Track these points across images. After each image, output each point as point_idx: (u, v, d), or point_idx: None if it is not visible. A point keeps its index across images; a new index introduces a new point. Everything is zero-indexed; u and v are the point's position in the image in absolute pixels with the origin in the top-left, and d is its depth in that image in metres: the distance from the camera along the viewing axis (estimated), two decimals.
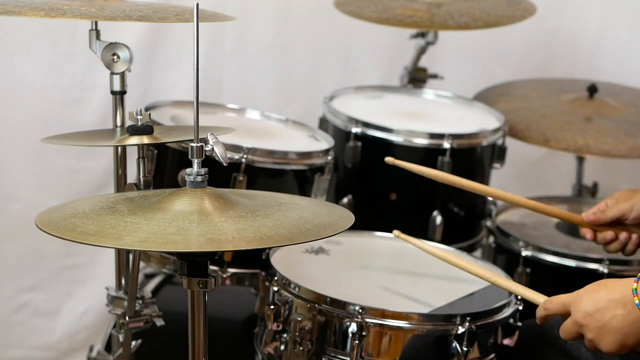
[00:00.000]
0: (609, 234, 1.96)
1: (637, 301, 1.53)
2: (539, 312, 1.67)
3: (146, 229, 1.36)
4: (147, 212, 1.42)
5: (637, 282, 1.55)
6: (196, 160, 1.47)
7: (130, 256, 1.95)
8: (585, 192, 2.95)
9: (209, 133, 1.50)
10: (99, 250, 2.93)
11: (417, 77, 2.86)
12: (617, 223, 1.97)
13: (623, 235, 1.96)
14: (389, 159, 2.04)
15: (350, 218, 1.50)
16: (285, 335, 1.88)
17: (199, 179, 1.47)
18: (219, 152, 1.48)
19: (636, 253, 1.99)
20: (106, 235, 1.34)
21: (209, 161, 1.50)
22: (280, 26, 3.08)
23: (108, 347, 2.34)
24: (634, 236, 1.95)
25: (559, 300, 1.64)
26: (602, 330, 1.56)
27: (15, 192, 2.90)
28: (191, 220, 1.39)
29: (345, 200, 2.45)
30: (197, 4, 1.43)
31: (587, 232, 2.00)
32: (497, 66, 3.24)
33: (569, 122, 2.68)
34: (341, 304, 1.83)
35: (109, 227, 1.37)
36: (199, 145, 1.46)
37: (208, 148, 1.48)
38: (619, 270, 2.31)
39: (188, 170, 1.47)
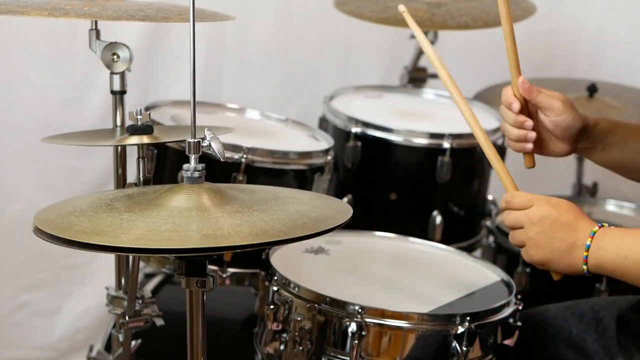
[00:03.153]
0: (515, 104, 1.80)
1: (588, 242, 1.56)
2: (502, 204, 1.68)
3: (142, 226, 1.35)
4: (144, 209, 1.42)
5: (599, 228, 1.57)
6: (193, 156, 1.47)
7: (130, 256, 1.95)
8: (585, 192, 2.95)
9: (206, 129, 1.50)
10: None
11: (417, 77, 2.86)
12: (534, 113, 1.81)
13: (523, 118, 1.79)
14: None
15: (348, 211, 1.49)
16: (285, 335, 1.88)
17: (196, 174, 1.47)
18: (215, 148, 1.48)
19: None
20: (102, 233, 1.34)
21: (208, 160, 1.50)
22: (280, 26, 3.08)
23: (108, 346, 2.34)
24: (533, 133, 1.79)
25: (527, 197, 1.63)
26: (544, 241, 1.58)
27: (15, 192, 2.90)
28: (187, 217, 1.38)
29: (345, 200, 2.45)
30: (193, 1, 1.43)
31: (506, 90, 1.84)
32: (497, 66, 3.23)
33: None
34: (341, 304, 1.83)
35: (105, 225, 1.37)
36: (195, 140, 1.46)
37: (205, 144, 1.48)
38: None
39: (185, 165, 1.47)
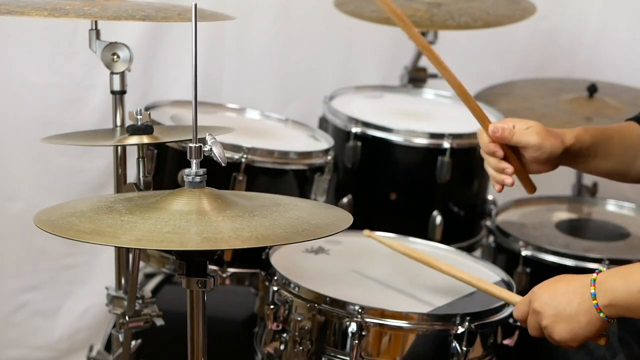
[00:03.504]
0: (497, 152, 1.78)
1: (592, 290, 1.55)
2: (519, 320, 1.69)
3: (143, 228, 1.36)
4: (144, 212, 1.42)
5: (597, 274, 1.56)
6: (194, 161, 1.47)
7: (130, 256, 1.95)
8: (585, 192, 2.95)
9: (207, 133, 1.50)
10: (99, 250, 2.93)
11: (417, 77, 2.86)
12: (514, 148, 1.81)
13: (505, 165, 1.78)
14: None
15: (348, 219, 1.50)
16: (285, 335, 1.88)
17: (197, 179, 1.47)
18: (217, 153, 1.48)
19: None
20: (102, 233, 1.34)
21: (208, 161, 1.50)
22: (280, 26, 3.08)
23: (108, 346, 2.34)
24: (509, 179, 1.79)
25: (525, 299, 1.65)
26: (557, 318, 1.58)
27: (15, 192, 2.90)
28: (188, 220, 1.39)
29: (345, 200, 2.45)
30: (195, 5, 1.44)
31: (482, 136, 1.80)
32: (497, 66, 3.24)
33: (569, 122, 2.68)
34: (341, 304, 1.83)
35: (106, 226, 1.37)
36: (197, 145, 1.46)
37: (206, 148, 1.48)
38: None
39: (186, 170, 1.47)
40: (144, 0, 2.00)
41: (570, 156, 1.81)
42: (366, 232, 2.03)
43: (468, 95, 1.81)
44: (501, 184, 1.81)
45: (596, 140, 1.83)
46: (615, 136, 1.85)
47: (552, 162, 1.80)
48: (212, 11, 1.99)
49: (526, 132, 1.77)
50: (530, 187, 1.88)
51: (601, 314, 1.55)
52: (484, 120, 1.80)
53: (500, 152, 1.78)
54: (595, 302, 1.54)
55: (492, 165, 1.80)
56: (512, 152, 1.79)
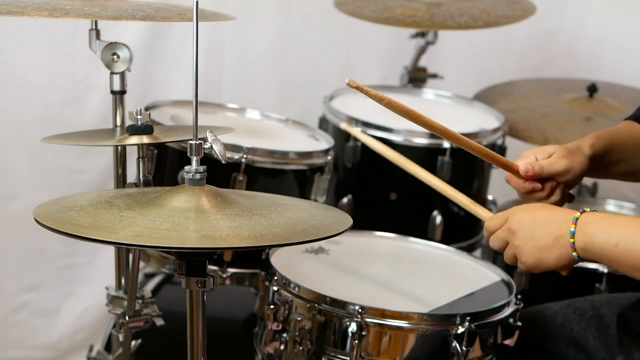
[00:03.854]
0: (537, 186, 1.81)
1: (572, 228, 1.56)
2: (485, 234, 1.70)
3: (141, 224, 1.36)
4: (143, 208, 1.42)
5: (581, 214, 1.57)
6: (195, 158, 1.47)
7: (130, 256, 1.95)
8: (585, 192, 2.95)
9: (207, 131, 1.50)
10: (99, 250, 2.93)
11: (417, 77, 2.86)
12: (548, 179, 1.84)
13: (549, 184, 1.81)
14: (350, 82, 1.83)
15: (347, 221, 1.50)
16: (285, 335, 1.88)
17: (198, 176, 1.47)
18: (217, 150, 1.48)
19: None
20: (101, 228, 1.34)
21: (209, 160, 1.50)
22: (280, 26, 3.08)
23: (108, 346, 2.34)
24: (561, 186, 1.82)
25: (501, 215, 1.66)
26: (530, 243, 1.59)
27: (15, 192, 2.90)
28: (187, 217, 1.39)
29: (345, 200, 2.45)
30: (197, 3, 1.43)
31: (512, 180, 1.83)
32: (497, 66, 3.24)
33: (569, 122, 2.68)
34: (341, 304, 1.83)
35: (105, 221, 1.37)
36: (197, 142, 1.46)
37: (207, 146, 1.48)
38: None
39: (187, 167, 1.47)
40: (143, 0, 2.01)
41: (592, 165, 1.83)
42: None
43: (486, 150, 1.83)
44: (566, 197, 1.83)
45: (609, 145, 1.85)
46: (625, 139, 1.87)
47: (579, 178, 1.83)
48: (212, 11, 1.99)
49: (552, 162, 1.79)
50: (570, 198, 1.90)
51: (574, 253, 1.56)
52: (508, 165, 1.82)
53: (539, 185, 1.80)
54: (572, 240, 1.56)
55: (540, 197, 1.82)
56: (544, 181, 1.81)
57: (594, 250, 1.55)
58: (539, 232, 1.59)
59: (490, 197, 2.56)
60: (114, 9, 1.75)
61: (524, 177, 1.80)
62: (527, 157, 1.80)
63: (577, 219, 1.57)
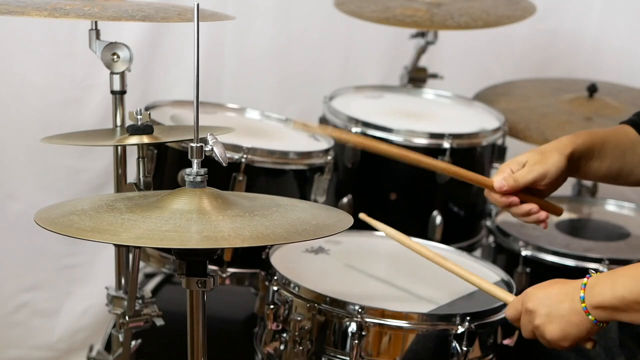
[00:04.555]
0: (514, 200, 1.82)
1: (581, 294, 1.56)
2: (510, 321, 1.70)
3: (143, 226, 1.36)
4: (145, 211, 1.42)
5: (588, 279, 1.58)
6: (196, 161, 1.47)
7: (130, 256, 1.95)
8: (585, 192, 2.95)
9: (208, 133, 1.50)
10: (99, 249, 2.93)
11: (417, 77, 2.86)
12: (527, 190, 1.84)
13: (528, 207, 1.83)
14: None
15: (348, 220, 1.50)
16: (284, 335, 1.88)
17: (199, 179, 1.47)
18: (218, 153, 1.48)
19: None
20: (103, 231, 1.35)
21: (209, 161, 1.50)
22: (280, 26, 3.08)
23: (108, 346, 2.34)
24: (542, 213, 1.84)
25: (517, 300, 1.66)
26: (549, 317, 1.59)
27: (15, 192, 2.90)
28: (188, 219, 1.39)
29: (345, 200, 2.45)
30: (198, 4, 1.43)
31: (490, 195, 1.84)
32: (497, 66, 3.24)
33: (568, 122, 2.68)
34: (341, 304, 1.83)
35: (106, 224, 1.37)
36: (198, 145, 1.47)
37: (207, 148, 1.48)
38: None
39: (187, 170, 1.47)
40: (143, 0, 2.01)
41: (572, 167, 1.82)
42: (362, 215, 2.00)
43: (460, 170, 1.88)
44: (541, 222, 1.85)
45: (591, 143, 1.84)
46: (610, 139, 1.87)
47: (561, 178, 1.82)
48: (212, 11, 1.99)
49: (526, 171, 1.80)
50: (557, 210, 1.92)
51: (590, 317, 1.56)
52: (484, 182, 1.85)
53: (516, 199, 1.82)
54: (583, 305, 1.56)
55: (517, 213, 1.84)
56: (524, 192, 1.82)
57: (605, 307, 1.55)
58: (554, 305, 1.59)
59: None
60: (113, 9, 1.75)
61: (499, 193, 1.81)
62: (503, 171, 1.82)
63: (585, 284, 1.57)
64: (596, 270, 2.27)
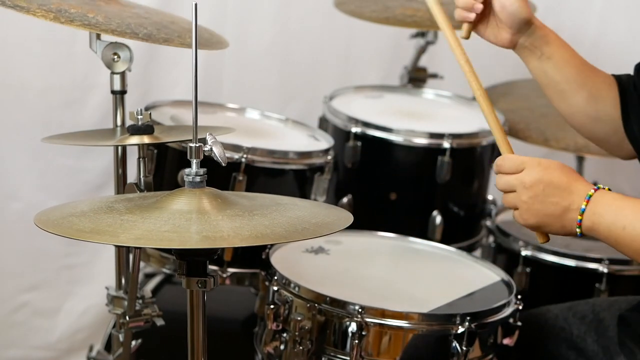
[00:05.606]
0: None
1: (583, 205, 1.54)
2: (495, 168, 1.64)
3: (142, 227, 1.36)
4: (144, 211, 1.42)
5: (595, 192, 1.55)
6: (195, 161, 1.47)
7: (131, 256, 1.95)
8: None
9: (207, 133, 1.50)
10: (99, 250, 2.93)
11: (417, 77, 2.86)
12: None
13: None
14: None
15: (348, 218, 1.50)
16: (285, 334, 1.88)
17: (198, 179, 1.47)
18: (217, 153, 1.49)
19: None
20: (102, 232, 1.35)
21: (208, 161, 1.50)
22: (280, 26, 3.08)
23: (108, 346, 2.34)
24: (479, 4, 1.82)
25: (518, 161, 1.60)
26: (536, 204, 1.56)
27: (15, 192, 2.90)
28: (187, 219, 1.39)
29: (345, 200, 2.45)
30: (196, 4, 1.44)
31: None
32: (497, 66, 3.23)
33: None
34: (341, 304, 1.83)
35: (105, 225, 1.37)
36: (197, 145, 1.47)
37: (207, 148, 1.48)
38: (618, 270, 2.32)
39: (187, 170, 1.48)
40: (143, 3, 2.01)
41: (529, 38, 1.81)
42: None
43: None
44: (467, 8, 1.82)
45: (558, 45, 1.82)
46: (579, 61, 1.84)
47: (512, 24, 1.80)
48: (209, 34, 2.01)
49: None
50: (469, 32, 1.90)
51: (577, 229, 1.54)
52: None
53: None
54: (580, 217, 1.53)
55: (461, 2, 1.82)
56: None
57: (600, 230, 1.53)
58: (550, 197, 1.55)
59: (490, 197, 2.56)
60: (117, 20, 1.77)
61: None
62: None
63: (590, 196, 1.53)
64: (598, 271, 2.30)
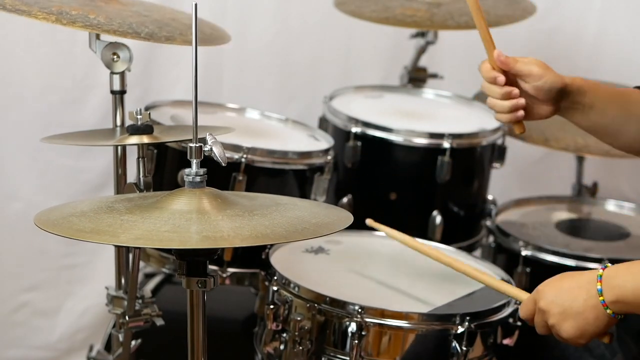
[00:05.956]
0: (499, 77, 1.78)
1: (598, 286, 1.53)
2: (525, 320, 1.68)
3: (142, 227, 1.36)
4: (144, 211, 1.42)
5: (604, 270, 1.54)
6: (195, 161, 1.47)
7: (130, 256, 1.95)
8: (585, 192, 2.95)
9: (207, 133, 1.50)
10: (99, 249, 2.93)
11: (417, 77, 2.86)
12: (515, 82, 1.80)
13: (510, 89, 1.78)
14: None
15: (348, 218, 1.50)
16: (284, 334, 1.88)
17: (198, 179, 1.47)
18: (217, 153, 1.48)
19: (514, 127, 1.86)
20: (102, 232, 1.35)
21: (208, 161, 1.50)
22: (280, 26, 3.08)
23: (108, 346, 2.34)
24: (521, 99, 1.78)
25: (529, 299, 1.64)
26: (564, 315, 1.56)
27: (15, 192, 2.90)
28: (187, 219, 1.39)
29: (345, 200, 2.45)
30: (196, 4, 1.44)
31: (483, 65, 1.83)
32: None
33: (568, 122, 2.67)
34: (341, 304, 1.83)
35: (105, 225, 1.37)
36: (197, 145, 1.47)
37: (207, 148, 1.48)
38: None
39: (187, 170, 1.48)
40: (142, 1, 2.01)
41: (568, 100, 1.80)
42: (369, 221, 2.02)
43: (482, 15, 1.82)
44: (518, 109, 1.79)
45: (594, 91, 1.81)
46: (616, 95, 1.84)
47: (550, 98, 1.79)
48: (210, 30, 2.00)
49: (527, 61, 1.78)
50: (522, 126, 1.85)
51: (608, 311, 1.53)
52: (488, 42, 1.82)
53: (503, 78, 1.78)
54: (601, 298, 1.53)
55: (496, 92, 1.79)
56: (512, 84, 1.79)
57: (626, 301, 1.52)
58: (567, 302, 1.56)
59: (490, 197, 2.56)
60: (118, 20, 1.77)
61: (495, 61, 1.78)
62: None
63: (600, 276, 1.53)
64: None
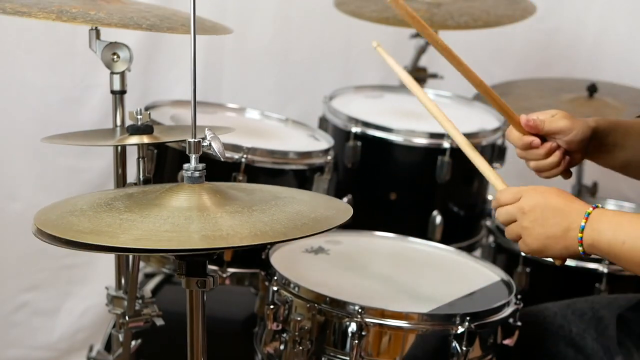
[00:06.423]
0: (535, 140, 1.77)
1: (583, 223, 1.55)
2: (493, 204, 1.67)
3: (141, 227, 1.36)
4: (143, 209, 1.42)
5: (594, 209, 1.56)
6: (194, 156, 1.47)
7: (130, 256, 1.95)
8: (585, 192, 2.95)
9: (206, 129, 1.50)
10: None
11: (417, 77, 2.85)
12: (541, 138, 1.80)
13: (548, 144, 1.78)
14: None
15: (348, 211, 1.49)
16: (284, 335, 1.88)
17: (197, 174, 1.47)
18: (216, 147, 1.48)
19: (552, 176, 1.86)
20: (101, 233, 1.34)
21: (209, 160, 1.50)
22: (279, 26, 3.08)
23: (108, 346, 2.34)
24: (561, 149, 1.79)
25: (515, 190, 1.63)
26: (538, 228, 1.58)
27: (15, 192, 2.90)
28: (187, 217, 1.39)
29: (345, 200, 2.45)
30: (194, 2, 1.44)
31: (512, 133, 1.81)
32: (497, 66, 3.24)
33: None
34: (341, 304, 1.83)
35: (105, 225, 1.37)
36: (196, 140, 1.46)
37: (205, 143, 1.48)
38: (618, 269, 2.31)
39: (186, 165, 1.47)
40: (142, 1, 2.01)
41: (595, 143, 1.80)
42: (375, 43, 1.96)
43: (492, 93, 1.81)
44: (565, 168, 1.80)
45: (614, 127, 1.83)
46: (631, 127, 1.85)
47: (582, 147, 1.79)
48: (211, 23, 2.00)
49: (554, 119, 1.78)
50: (569, 173, 1.86)
51: (580, 247, 1.55)
52: (512, 117, 1.80)
53: (538, 141, 1.78)
54: (580, 234, 1.55)
55: (538, 154, 1.79)
56: (544, 140, 1.79)
57: (600, 247, 1.54)
58: (550, 220, 1.57)
59: (490, 197, 2.56)
60: (119, 15, 1.76)
61: (524, 129, 1.78)
62: (533, 115, 1.79)
63: (589, 214, 1.55)
64: (598, 271, 2.30)
